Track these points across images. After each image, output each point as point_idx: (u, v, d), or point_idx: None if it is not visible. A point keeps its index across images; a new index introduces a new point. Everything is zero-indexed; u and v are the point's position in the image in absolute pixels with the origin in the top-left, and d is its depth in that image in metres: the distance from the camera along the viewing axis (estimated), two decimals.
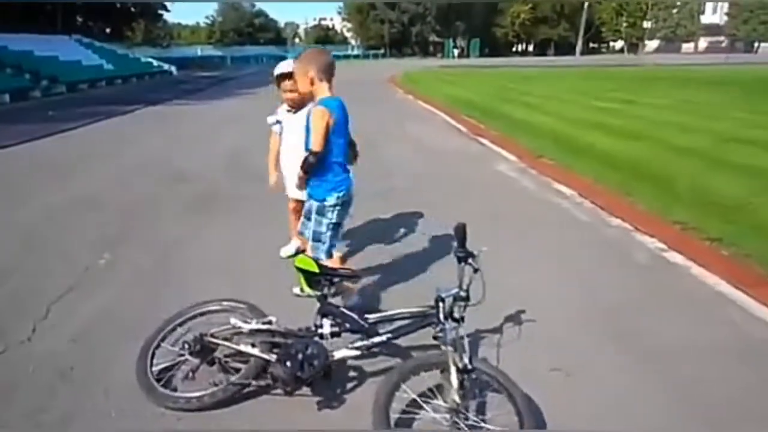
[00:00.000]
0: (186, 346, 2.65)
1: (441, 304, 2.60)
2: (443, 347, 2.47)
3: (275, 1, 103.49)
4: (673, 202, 5.68)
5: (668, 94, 17.36)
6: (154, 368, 2.66)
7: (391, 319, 2.73)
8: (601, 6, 79.08)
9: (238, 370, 2.64)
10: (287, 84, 3.86)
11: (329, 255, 3.32)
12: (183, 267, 4.25)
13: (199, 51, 62.95)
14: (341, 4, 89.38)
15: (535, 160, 8.11)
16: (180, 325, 2.82)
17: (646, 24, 73.53)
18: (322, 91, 3.10)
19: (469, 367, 2.38)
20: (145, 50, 47.57)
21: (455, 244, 2.65)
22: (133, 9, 48.04)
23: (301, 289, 2.99)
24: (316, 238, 3.27)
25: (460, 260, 2.62)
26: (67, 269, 4.17)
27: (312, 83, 3.08)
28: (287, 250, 4.42)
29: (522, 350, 3.02)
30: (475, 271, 2.60)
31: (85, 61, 30.67)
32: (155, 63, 39.50)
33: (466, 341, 2.44)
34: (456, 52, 78.89)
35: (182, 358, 2.68)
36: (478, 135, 10.62)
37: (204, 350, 2.66)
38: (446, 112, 14.13)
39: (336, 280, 2.81)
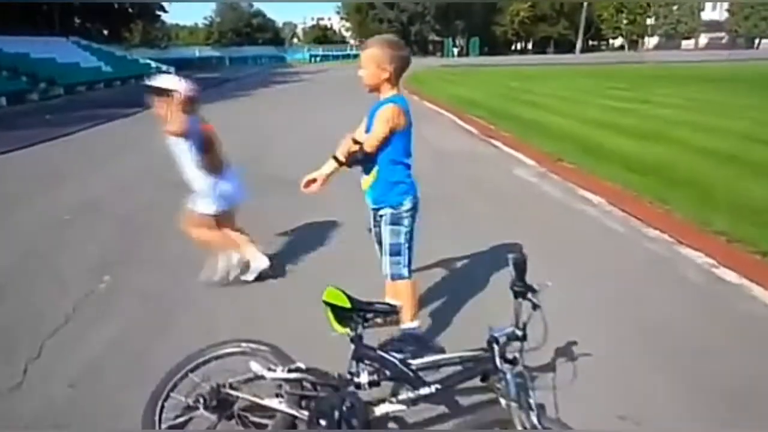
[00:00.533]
0: (201, 399, 2.27)
1: (495, 347, 2.22)
2: (503, 401, 2.10)
3: (273, 1, 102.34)
4: (711, 210, 5.30)
5: (677, 92, 17.00)
6: (163, 424, 2.28)
7: (438, 365, 2.35)
8: (601, 3, 78.75)
9: (261, 426, 2.27)
10: (161, 102, 3.47)
11: (410, 272, 2.97)
12: (192, 289, 3.85)
13: (197, 52, 62.49)
14: (339, 3, 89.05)
15: (555, 164, 7.74)
16: (192, 371, 2.44)
17: (650, 21, 73.12)
18: (392, 87, 2.81)
19: (539, 427, 2.01)
20: (143, 51, 47.14)
21: (512, 276, 2.28)
22: (130, 10, 47.65)
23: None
24: (396, 252, 2.90)
25: (517, 295, 2.24)
26: (63, 295, 3.79)
27: (388, 79, 2.77)
28: (250, 273, 3.94)
29: (581, 393, 2.64)
30: (535, 308, 2.23)
31: (83, 63, 30.32)
32: (153, 64, 39.07)
33: (532, 394, 2.07)
34: (455, 51, 78.55)
35: (196, 413, 2.30)
36: (490, 137, 10.25)
37: (221, 404, 2.29)
38: (453, 112, 13.75)
39: (372, 316, 2.44)
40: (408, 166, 2.89)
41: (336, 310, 2.38)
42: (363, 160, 2.81)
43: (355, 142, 2.86)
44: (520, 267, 2.31)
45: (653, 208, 5.62)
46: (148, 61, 39.94)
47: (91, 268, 4.24)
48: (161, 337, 3.20)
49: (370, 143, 2.75)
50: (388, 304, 3.02)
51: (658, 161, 7.39)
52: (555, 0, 79.11)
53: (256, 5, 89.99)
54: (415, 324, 3.03)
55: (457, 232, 4.94)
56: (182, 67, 44.45)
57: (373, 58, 2.74)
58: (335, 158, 2.87)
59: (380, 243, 3.02)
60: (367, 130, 2.83)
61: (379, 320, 2.69)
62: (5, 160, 9.15)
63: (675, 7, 75.82)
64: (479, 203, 6.02)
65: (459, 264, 4.25)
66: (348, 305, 2.37)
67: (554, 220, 5.46)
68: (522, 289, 2.26)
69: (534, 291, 2.27)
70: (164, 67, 38.75)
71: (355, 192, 2.95)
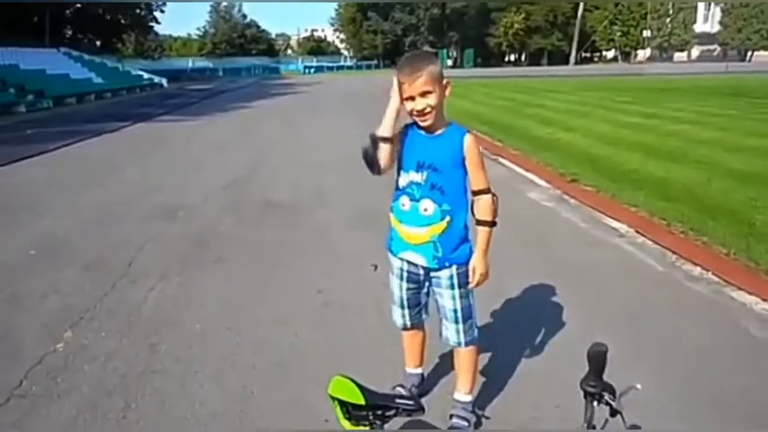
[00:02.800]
0: None
1: None
2: None
3: (266, 1, 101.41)
4: (757, 244, 4.76)
5: (685, 105, 16.51)
6: None
7: None
8: (594, 15, 78.90)
9: None
10: None
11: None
12: (172, 355, 3.24)
13: (190, 63, 61.99)
14: (333, 15, 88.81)
15: (570, 186, 7.20)
16: None
17: (646, 33, 73.29)
18: (443, 109, 2.32)
19: None
20: (136, 62, 46.56)
21: (587, 372, 1.73)
22: (123, 21, 47.17)
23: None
24: (468, 315, 2.45)
25: (590, 396, 1.70)
26: (5, 366, 3.09)
27: (446, 95, 2.28)
28: None
29: None
30: (613, 414, 1.69)
31: (73, 74, 29.73)
32: (146, 75, 38.51)
33: None
34: (449, 62, 78.42)
35: None
36: (498, 155, 9.72)
37: None
38: None
39: (392, 414, 1.88)
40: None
41: (345, 405, 1.82)
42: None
43: None
44: (599, 362, 1.76)
45: (689, 240, 5.07)
46: (141, 72, 39.33)
47: (47, 328, 3.52)
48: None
49: (485, 180, 2.31)
50: (413, 398, 2.49)
51: (686, 184, 6.85)
52: (548, 12, 79.24)
53: (250, 17, 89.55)
54: (469, 398, 2.55)
55: None
56: (175, 78, 44.12)
57: (435, 77, 2.21)
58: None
59: (414, 306, 2.54)
60: (436, 169, 2.28)
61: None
62: None
63: (668, 20, 76.05)
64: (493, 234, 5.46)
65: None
66: (361, 401, 1.80)
67: (583, 254, 4.90)
68: (597, 390, 1.72)
69: (614, 393, 1.73)
70: (156, 78, 38.32)
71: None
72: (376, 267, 4.16)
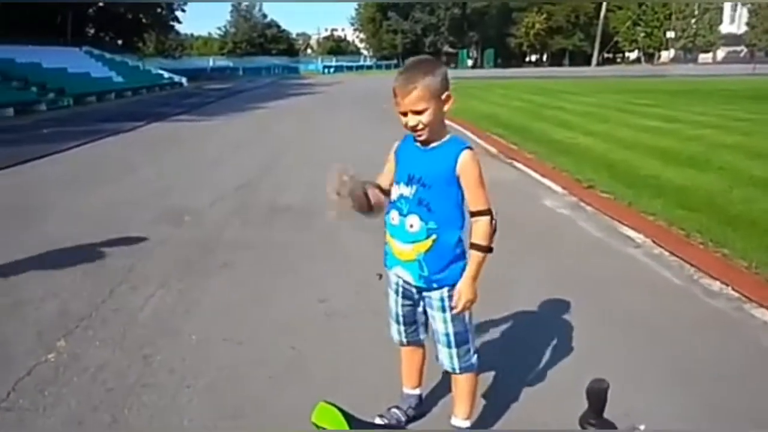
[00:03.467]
0: None
1: None
2: None
3: (286, 0, 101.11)
4: None
5: (708, 109, 16.14)
6: None
7: None
8: (617, 16, 78.00)
9: None
10: None
11: (478, 358, 2.38)
12: (165, 367, 3.13)
13: (211, 62, 62.42)
14: (353, 14, 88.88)
15: (586, 192, 7.01)
16: None
17: (670, 34, 72.23)
18: (445, 124, 2.19)
19: None
20: (157, 61, 46.96)
21: (587, 408, 1.60)
22: (144, 20, 47.63)
23: None
24: (463, 340, 2.28)
25: None
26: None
27: (445, 114, 2.14)
28: None
29: None
30: None
31: (94, 72, 30.02)
32: (166, 74, 38.81)
33: None
34: (470, 62, 78.01)
35: None
36: (512, 158, 9.55)
37: None
38: (473, 131, 12.96)
39: None
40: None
41: None
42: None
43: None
44: (600, 399, 1.63)
45: (708, 253, 4.88)
46: (161, 71, 39.64)
47: (40, 336, 3.43)
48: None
49: (486, 198, 2.14)
50: (399, 427, 2.41)
51: (707, 192, 6.63)
52: (570, 12, 78.50)
53: (270, 16, 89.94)
54: (467, 424, 2.41)
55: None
56: (195, 77, 44.41)
57: (430, 92, 2.04)
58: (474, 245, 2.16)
59: (410, 324, 2.41)
60: (424, 184, 2.16)
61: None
62: None
63: (693, 21, 74.92)
64: (506, 243, 5.29)
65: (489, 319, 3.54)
66: (345, 427, 1.70)
67: (595, 265, 4.72)
68: (596, 427, 1.60)
69: (614, 429, 1.61)
70: (176, 77, 38.60)
71: None
72: (381, 276, 4.04)
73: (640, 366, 3.09)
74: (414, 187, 2.17)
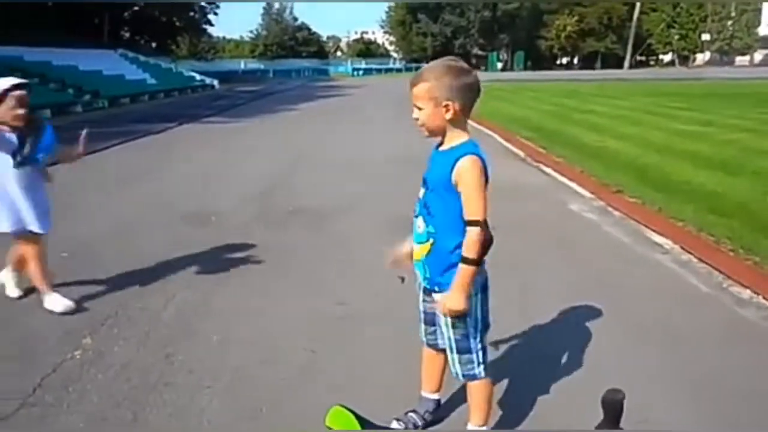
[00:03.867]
0: None
1: None
2: None
3: (317, 1, 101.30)
4: None
5: (744, 112, 15.73)
6: None
7: None
8: (650, 18, 76.67)
9: None
10: None
11: (485, 369, 2.31)
12: (186, 367, 3.18)
13: (242, 64, 63.20)
14: (383, 17, 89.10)
15: (614, 197, 6.89)
16: None
17: (705, 36, 70.76)
18: (461, 129, 2.13)
19: None
20: (189, 64, 47.74)
21: (603, 419, 1.57)
22: (177, 23, 48.49)
23: None
24: (465, 349, 2.25)
25: None
26: (23, 371, 3.05)
27: (453, 119, 2.09)
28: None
29: None
30: None
31: (128, 75, 30.63)
32: (198, 77, 39.41)
33: None
34: (499, 65, 77.49)
35: None
36: (539, 162, 9.45)
37: None
38: (501, 134, 12.86)
39: None
40: None
41: None
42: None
43: None
44: (616, 410, 1.60)
45: (738, 260, 4.75)
46: (193, 73, 40.28)
47: (61, 340, 3.44)
48: None
49: (482, 207, 2.07)
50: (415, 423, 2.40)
51: (740, 198, 6.47)
52: (602, 14, 77.42)
53: (301, 19, 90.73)
54: (484, 429, 2.39)
55: (502, 284, 4.12)
56: (227, 79, 45.01)
57: (428, 93, 2.07)
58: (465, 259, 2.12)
59: (429, 324, 2.42)
60: (429, 187, 2.18)
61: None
62: None
63: (729, 23, 73.26)
64: (530, 247, 5.24)
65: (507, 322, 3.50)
66: (358, 429, 1.70)
67: (622, 272, 4.64)
68: None
69: None
70: (208, 80, 39.18)
71: None
72: (403, 279, 4.01)
73: (666, 376, 3.02)
74: (423, 189, 2.23)
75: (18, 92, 3.57)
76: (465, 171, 2.06)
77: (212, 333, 3.52)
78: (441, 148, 2.19)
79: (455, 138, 2.14)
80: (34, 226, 3.77)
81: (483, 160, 2.10)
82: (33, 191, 3.80)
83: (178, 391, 2.89)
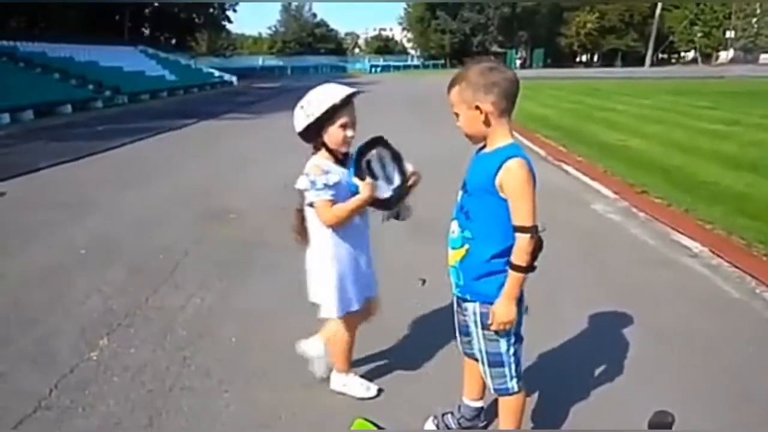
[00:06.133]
0: None
1: None
2: None
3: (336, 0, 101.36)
4: None
5: None
6: None
7: None
8: (673, 15, 75.49)
9: None
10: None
11: (519, 383, 2.21)
12: (202, 370, 3.15)
13: (260, 61, 63.42)
14: (402, 14, 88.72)
15: (639, 197, 6.73)
16: None
17: (729, 34, 69.55)
18: (503, 132, 2.02)
19: None
20: (208, 60, 48.00)
21: None
22: (197, 20, 48.77)
23: None
24: (497, 362, 2.16)
25: None
26: (40, 373, 3.03)
27: (488, 121, 2.00)
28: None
29: None
30: None
31: (148, 71, 30.89)
32: (216, 73, 39.60)
33: None
34: (518, 62, 76.83)
35: None
36: (561, 161, 9.28)
37: None
38: (520, 132, 12.64)
39: None
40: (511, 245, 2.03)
41: None
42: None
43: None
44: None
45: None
46: (212, 69, 40.49)
47: (81, 335, 3.45)
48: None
49: (531, 213, 1.96)
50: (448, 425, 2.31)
51: None
52: (624, 11, 76.43)
53: (320, 16, 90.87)
54: None
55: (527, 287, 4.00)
56: (245, 75, 45.18)
57: (459, 97, 2.00)
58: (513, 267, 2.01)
59: (464, 334, 2.32)
60: (468, 191, 2.09)
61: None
62: (17, 184, 8.18)
63: (754, 20, 71.90)
64: (552, 250, 5.10)
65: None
66: None
67: (649, 275, 4.50)
68: None
69: None
70: (227, 76, 39.32)
71: None
72: (424, 282, 3.91)
73: (695, 385, 2.90)
74: (461, 192, 2.13)
75: (350, 107, 2.55)
76: (511, 175, 1.95)
77: (230, 334, 3.46)
78: (483, 152, 2.09)
79: (497, 141, 2.03)
80: (374, 290, 2.83)
81: (529, 163, 1.98)
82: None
83: (195, 396, 2.83)
